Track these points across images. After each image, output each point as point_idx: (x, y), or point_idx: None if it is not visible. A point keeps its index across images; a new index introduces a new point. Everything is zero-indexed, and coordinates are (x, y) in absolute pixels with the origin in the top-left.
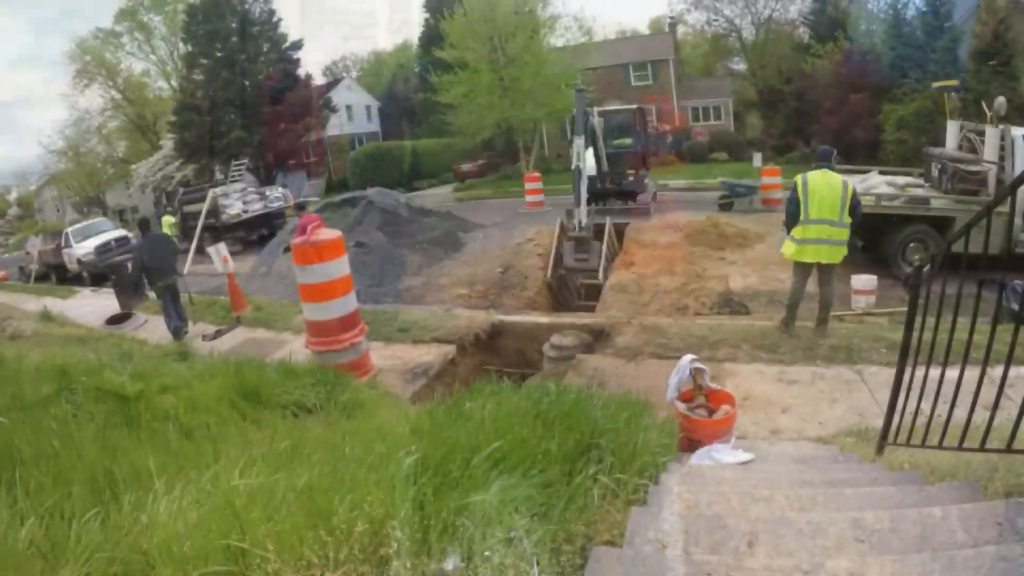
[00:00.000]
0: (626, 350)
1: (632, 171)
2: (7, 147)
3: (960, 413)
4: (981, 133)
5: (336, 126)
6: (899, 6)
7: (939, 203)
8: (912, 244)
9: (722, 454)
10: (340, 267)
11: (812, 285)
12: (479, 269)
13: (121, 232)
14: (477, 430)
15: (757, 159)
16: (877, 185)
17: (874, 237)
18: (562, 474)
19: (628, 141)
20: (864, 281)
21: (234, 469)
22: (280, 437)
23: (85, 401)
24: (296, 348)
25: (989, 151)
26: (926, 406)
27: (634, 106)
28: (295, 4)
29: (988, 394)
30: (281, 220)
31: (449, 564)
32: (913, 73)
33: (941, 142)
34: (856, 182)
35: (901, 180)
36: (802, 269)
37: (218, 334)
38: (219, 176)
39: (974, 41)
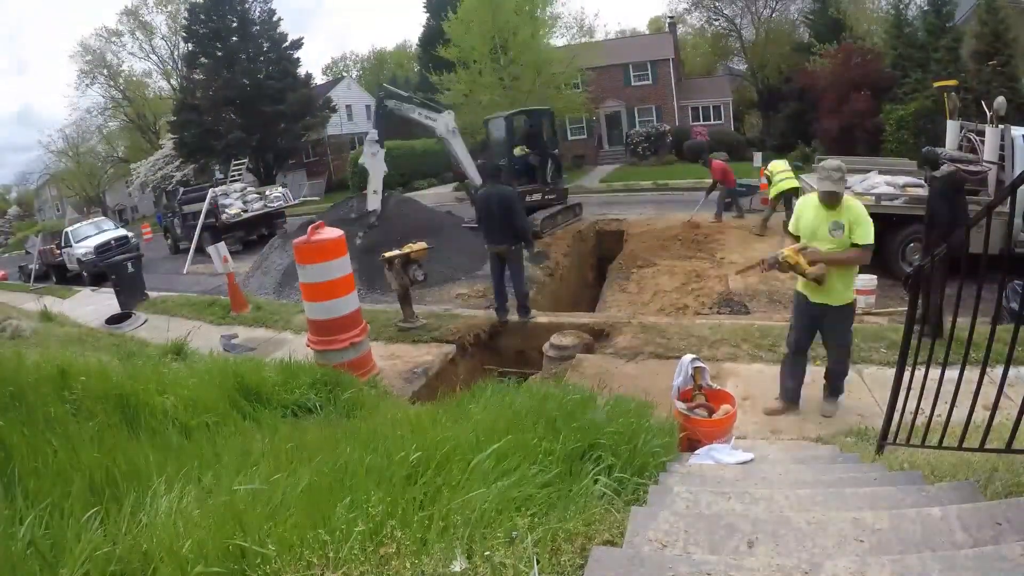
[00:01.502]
0: (626, 350)
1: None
2: None
3: (960, 413)
4: (981, 133)
5: (336, 126)
6: (901, 6)
7: None
8: (912, 244)
9: (722, 454)
10: (342, 266)
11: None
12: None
13: (121, 232)
14: (477, 430)
15: (757, 159)
16: (877, 185)
17: (874, 237)
18: (563, 474)
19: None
20: (864, 281)
21: (234, 469)
22: (280, 437)
23: (85, 401)
24: (296, 348)
25: (989, 151)
26: (926, 406)
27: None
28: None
29: (988, 394)
30: (281, 220)
31: (456, 567)
32: (914, 73)
33: (941, 142)
34: (856, 182)
35: (901, 180)
36: None
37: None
38: (219, 176)
39: (974, 41)
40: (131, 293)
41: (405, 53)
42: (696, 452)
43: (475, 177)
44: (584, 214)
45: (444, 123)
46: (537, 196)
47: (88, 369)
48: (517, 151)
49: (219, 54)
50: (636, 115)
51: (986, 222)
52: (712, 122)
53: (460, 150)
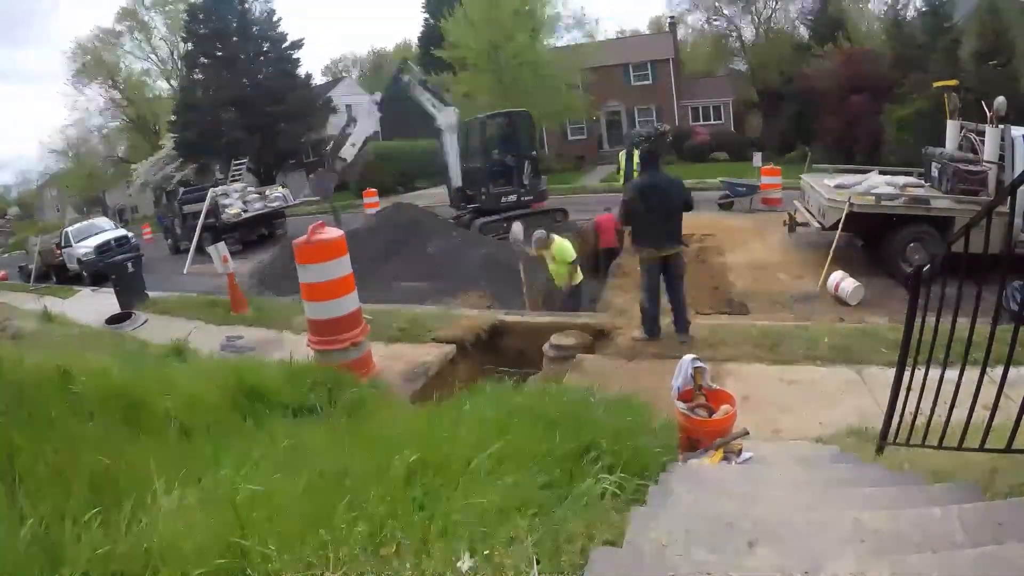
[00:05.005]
0: (626, 350)
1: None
2: None
3: (960, 413)
4: (981, 133)
5: (336, 126)
6: (899, 6)
7: (939, 203)
8: (912, 244)
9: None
10: (342, 266)
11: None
12: None
13: (121, 232)
14: (477, 430)
15: (757, 159)
16: (877, 185)
17: (874, 237)
18: (563, 474)
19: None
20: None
21: (235, 469)
22: (281, 437)
23: (85, 401)
24: (296, 348)
25: (989, 151)
26: (926, 406)
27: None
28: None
29: (988, 394)
30: (281, 220)
31: (464, 565)
32: (913, 73)
33: (941, 142)
34: (856, 182)
35: (901, 180)
36: None
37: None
38: (219, 176)
39: (975, 41)
40: (131, 293)
41: (405, 53)
42: (696, 452)
43: (456, 178)
44: (582, 214)
45: (446, 117)
46: (512, 198)
47: (89, 369)
48: (495, 154)
49: (219, 54)
50: (636, 115)
51: (986, 222)
52: (712, 122)
53: (452, 149)
